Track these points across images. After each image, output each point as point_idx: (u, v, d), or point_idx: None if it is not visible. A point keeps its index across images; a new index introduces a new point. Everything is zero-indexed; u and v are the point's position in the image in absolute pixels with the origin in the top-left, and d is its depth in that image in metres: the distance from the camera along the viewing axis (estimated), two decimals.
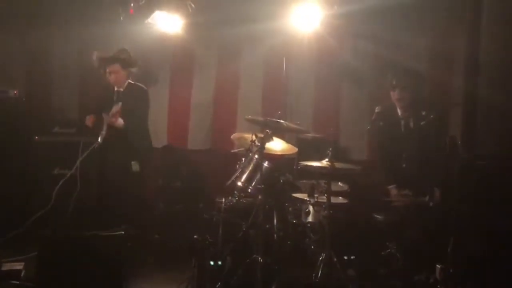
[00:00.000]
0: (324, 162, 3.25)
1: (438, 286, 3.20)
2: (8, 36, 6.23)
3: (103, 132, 4.89)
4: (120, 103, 4.94)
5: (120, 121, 4.92)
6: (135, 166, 4.88)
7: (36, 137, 6.06)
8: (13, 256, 4.29)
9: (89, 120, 5.19)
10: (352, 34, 5.91)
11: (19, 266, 3.93)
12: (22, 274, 3.78)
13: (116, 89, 5.20)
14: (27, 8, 5.63)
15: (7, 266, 3.83)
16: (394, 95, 4.15)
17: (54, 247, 3.10)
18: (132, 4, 5.71)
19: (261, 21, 5.71)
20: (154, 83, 7.11)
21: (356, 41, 5.97)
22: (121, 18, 5.95)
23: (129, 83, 5.16)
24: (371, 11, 5.19)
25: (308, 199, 3.52)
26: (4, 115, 5.84)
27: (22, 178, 5.91)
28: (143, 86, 5.28)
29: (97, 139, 4.82)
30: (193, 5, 5.71)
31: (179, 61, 6.99)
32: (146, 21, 5.92)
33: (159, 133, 7.10)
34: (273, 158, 4.16)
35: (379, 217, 3.64)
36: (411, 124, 4.13)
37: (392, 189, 4.03)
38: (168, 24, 5.84)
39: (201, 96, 6.86)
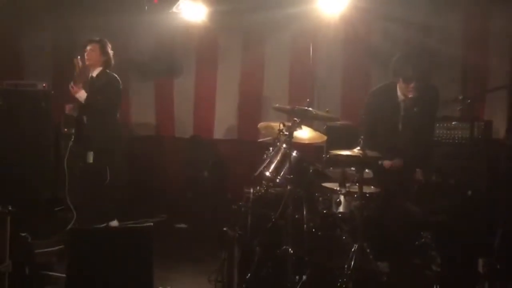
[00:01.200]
0: (356, 151, 3.14)
1: (482, 280, 3.04)
2: (36, 30, 6.27)
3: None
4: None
5: (82, 93, 4.84)
6: (89, 157, 4.79)
7: (66, 129, 6.15)
8: (45, 247, 4.36)
9: (67, 109, 5.14)
10: (381, 18, 5.71)
11: (52, 257, 4.00)
12: (55, 265, 3.84)
13: (90, 74, 5.12)
14: (54, 1, 5.66)
15: (40, 257, 3.88)
16: (408, 86, 3.88)
17: (84, 238, 3.10)
18: None
19: (286, 7, 5.59)
20: (179, 74, 7.12)
21: (386, 24, 5.76)
22: (146, 8, 5.95)
23: (102, 70, 5.07)
24: None
25: (338, 188, 3.41)
26: (33, 107, 5.91)
27: (50, 170, 5.99)
28: (116, 76, 5.12)
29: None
30: None
31: (204, 50, 6.95)
32: (170, 10, 5.91)
33: (185, 123, 7.13)
34: (301, 147, 4.07)
35: (412, 206, 3.53)
36: (411, 107, 3.92)
37: (386, 162, 3.88)
38: (192, 12, 5.81)
39: (227, 85, 6.82)
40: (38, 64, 6.58)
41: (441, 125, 4.81)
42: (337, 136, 5.10)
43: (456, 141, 4.76)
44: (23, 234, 4.35)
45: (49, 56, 6.67)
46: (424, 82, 3.88)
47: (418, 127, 3.89)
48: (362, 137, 3.18)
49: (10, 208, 2.92)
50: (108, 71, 5.05)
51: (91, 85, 4.96)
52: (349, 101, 6.05)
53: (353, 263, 3.23)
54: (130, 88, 7.07)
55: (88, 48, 5.00)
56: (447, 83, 5.33)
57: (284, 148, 3.46)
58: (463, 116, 4.66)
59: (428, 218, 3.58)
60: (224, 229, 2.44)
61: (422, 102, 3.89)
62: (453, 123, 4.83)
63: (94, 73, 5.01)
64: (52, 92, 6.14)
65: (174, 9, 5.84)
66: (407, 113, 4.00)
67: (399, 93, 4.00)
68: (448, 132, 4.85)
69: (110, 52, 5.07)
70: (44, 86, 6.08)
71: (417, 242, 3.53)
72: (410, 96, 3.66)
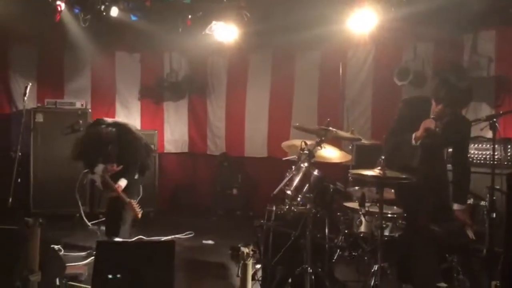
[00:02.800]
0: (376, 171, 3.12)
1: None
2: (76, 52, 6.61)
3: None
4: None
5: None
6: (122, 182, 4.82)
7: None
8: (77, 259, 4.52)
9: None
10: (412, 37, 5.67)
11: (81, 269, 4.14)
12: (83, 277, 3.98)
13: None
14: (94, 26, 5.97)
15: (70, 269, 4.03)
16: (435, 107, 3.69)
17: (109, 250, 3.21)
18: (189, 16, 5.92)
19: (315, 27, 5.65)
20: (212, 93, 7.30)
21: (416, 43, 5.73)
22: (180, 29, 6.17)
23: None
24: (431, 12, 4.95)
25: (359, 208, 3.40)
26: (71, 125, 6.18)
27: (82, 186, 6.19)
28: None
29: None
30: (248, 15, 5.79)
31: (235, 69, 7.11)
32: (203, 32, 6.10)
33: (217, 141, 7.27)
34: (328, 166, 4.08)
35: (436, 228, 3.44)
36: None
37: None
38: (224, 33, 5.97)
39: (257, 104, 6.93)
40: (77, 84, 6.89)
41: (472, 145, 4.71)
42: (365, 155, 5.10)
43: (488, 162, 4.64)
44: (56, 247, 4.58)
45: (88, 77, 6.97)
46: (455, 109, 3.71)
47: (438, 151, 3.75)
48: (382, 157, 3.16)
49: (40, 221, 3.05)
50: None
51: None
52: (379, 120, 5.99)
53: (373, 284, 3.19)
54: (165, 107, 7.30)
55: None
56: (480, 101, 5.23)
57: (305, 167, 3.48)
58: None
59: (454, 240, 3.49)
60: (239, 245, 2.48)
61: (449, 129, 3.69)
62: (484, 143, 4.72)
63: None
64: (90, 110, 6.42)
65: (207, 30, 6.03)
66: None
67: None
68: (479, 152, 4.75)
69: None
70: (82, 105, 6.38)
71: (442, 265, 3.45)
72: (432, 117, 3.54)
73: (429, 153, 3.53)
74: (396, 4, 5.07)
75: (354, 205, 3.57)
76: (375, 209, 3.25)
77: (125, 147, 4.84)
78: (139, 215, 4.73)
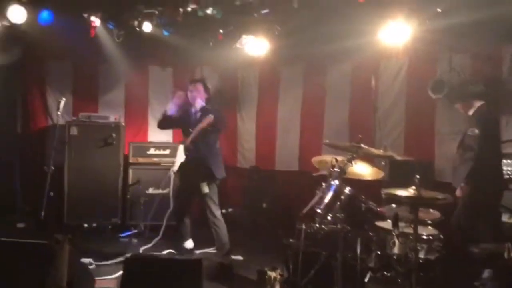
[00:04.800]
0: (410, 190, 3.00)
1: None
2: (110, 67, 6.75)
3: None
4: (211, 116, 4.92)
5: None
6: (204, 187, 4.93)
7: (137, 159, 6.47)
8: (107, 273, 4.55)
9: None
10: (447, 48, 5.49)
11: (111, 284, 4.16)
12: None
13: (193, 110, 5.25)
14: (127, 46, 6.10)
15: (100, 284, 4.05)
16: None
17: (137, 266, 3.20)
18: (221, 30, 5.95)
19: (347, 39, 5.56)
20: (242, 106, 7.29)
21: (452, 55, 5.54)
22: (211, 44, 6.20)
23: (203, 106, 5.20)
24: (468, 24, 4.78)
25: (392, 229, 3.27)
26: (105, 138, 6.28)
27: (115, 197, 6.30)
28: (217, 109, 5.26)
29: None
30: (279, 28, 5.77)
31: (266, 82, 7.09)
32: (234, 46, 6.12)
33: (246, 154, 7.24)
34: (360, 182, 3.97)
35: (475, 250, 3.28)
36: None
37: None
38: (255, 47, 5.97)
39: (288, 116, 6.87)
40: (111, 98, 7.02)
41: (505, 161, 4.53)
42: (399, 171, 4.93)
43: None
44: (87, 261, 4.62)
45: (122, 90, 7.09)
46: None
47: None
48: (417, 176, 3.03)
49: (70, 237, 3.09)
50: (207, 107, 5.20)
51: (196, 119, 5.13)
52: (413, 134, 5.82)
53: None
54: None
55: (191, 88, 5.19)
56: None
57: (336, 184, 3.39)
58: None
59: (489, 258, 3.32)
60: (266, 269, 2.40)
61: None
62: None
63: (198, 107, 5.16)
64: (123, 123, 6.52)
65: (238, 44, 6.05)
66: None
67: None
68: None
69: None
70: (115, 118, 6.48)
71: (476, 283, 3.27)
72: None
73: None
74: (432, 16, 4.94)
75: (387, 225, 3.44)
76: (409, 230, 3.12)
77: None
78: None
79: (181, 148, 5.22)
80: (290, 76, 6.86)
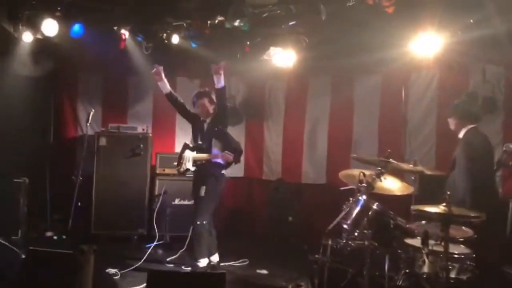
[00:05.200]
0: (441, 207, 2.89)
1: None
2: (139, 81, 6.85)
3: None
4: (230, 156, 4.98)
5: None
6: (201, 191, 4.93)
7: (164, 169, 6.51)
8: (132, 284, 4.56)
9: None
10: (480, 60, 5.34)
11: None
12: None
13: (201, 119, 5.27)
14: (155, 57, 6.17)
15: None
16: None
17: (159, 280, 3.18)
18: (248, 42, 5.96)
19: (376, 50, 5.47)
20: (269, 118, 7.25)
21: (485, 66, 5.38)
22: (238, 55, 6.21)
23: (212, 119, 5.21)
24: (502, 34, 4.64)
25: (422, 246, 3.14)
26: (133, 148, 6.34)
27: (141, 208, 6.34)
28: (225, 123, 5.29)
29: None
30: (306, 40, 5.73)
31: (293, 94, 7.04)
32: (261, 58, 6.11)
33: (273, 165, 7.18)
34: (385, 197, 3.86)
35: (511, 271, 3.12)
36: None
37: None
38: (282, 59, 5.95)
39: (315, 128, 6.79)
40: (140, 109, 7.10)
41: None
42: (429, 186, 4.77)
43: None
44: (112, 271, 4.64)
45: (150, 102, 7.16)
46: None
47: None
48: (448, 192, 2.92)
49: (95, 248, 3.10)
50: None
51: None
52: (444, 148, 5.62)
53: None
54: None
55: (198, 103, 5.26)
56: None
57: (364, 200, 3.30)
58: None
59: None
60: (290, 286, 2.34)
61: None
62: None
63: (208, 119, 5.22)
64: (150, 134, 6.58)
65: (265, 56, 6.04)
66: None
67: None
68: None
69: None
70: (143, 129, 6.55)
71: None
72: None
73: None
74: (464, 27, 4.81)
75: (417, 242, 3.32)
76: (440, 248, 3.00)
77: None
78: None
79: (187, 152, 5.12)
80: (318, 88, 6.80)
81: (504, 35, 4.60)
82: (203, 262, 4.79)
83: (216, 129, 5.10)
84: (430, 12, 4.86)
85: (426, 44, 4.98)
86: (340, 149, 6.45)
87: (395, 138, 5.86)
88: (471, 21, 4.71)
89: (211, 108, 5.20)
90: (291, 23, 5.35)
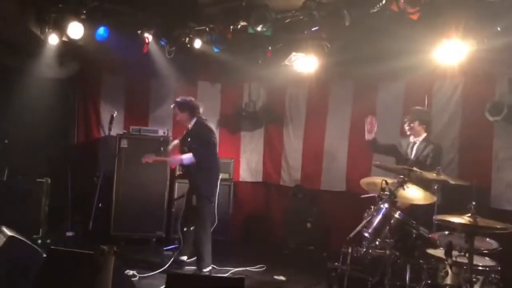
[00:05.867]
0: (466, 218, 2.82)
1: None
2: (161, 84, 6.92)
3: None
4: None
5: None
6: (193, 200, 5.09)
7: (180, 172, 6.53)
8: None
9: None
10: (506, 68, 5.21)
11: None
12: None
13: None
14: (178, 61, 6.22)
15: None
16: None
17: (177, 283, 3.18)
18: (269, 47, 5.95)
19: (399, 57, 5.39)
20: (289, 123, 7.22)
21: (511, 75, 5.26)
22: (259, 61, 6.21)
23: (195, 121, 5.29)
24: None
25: (445, 257, 3.07)
26: (154, 151, 6.33)
27: (160, 210, 6.38)
28: (206, 124, 5.34)
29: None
30: (328, 45, 5.70)
31: (314, 100, 6.99)
32: (283, 63, 6.10)
33: (292, 172, 7.14)
34: (407, 208, 3.80)
35: None
36: None
37: None
38: (304, 64, 5.92)
39: (336, 135, 6.72)
40: (161, 112, 7.15)
41: None
42: (452, 196, 4.67)
43: None
44: (130, 273, 4.66)
45: (170, 109, 7.20)
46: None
47: None
48: (473, 203, 2.85)
49: (115, 249, 3.11)
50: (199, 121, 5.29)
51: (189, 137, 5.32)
52: (467, 158, 5.53)
53: None
54: (242, 136, 7.35)
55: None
56: None
57: (386, 208, 3.25)
58: None
59: None
60: None
61: None
62: None
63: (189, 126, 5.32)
64: (171, 137, 6.62)
65: (287, 61, 6.02)
66: None
67: None
68: None
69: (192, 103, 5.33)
70: (164, 132, 6.59)
71: None
72: None
73: None
74: (490, 35, 4.71)
75: (439, 253, 3.25)
76: (463, 259, 2.92)
77: None
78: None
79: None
80: (339, 94, 6.74)
81: None
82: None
83: (189, 140, 5.24)
84: (455, 19, 4.78)
85: (451, 52, 4.88)
86: (360, 157, 6.36)
87: None
88: (499, 28, 4.61)
89: (187, 124, 5.32)
90: (313, 29, 5.31)
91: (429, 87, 5.89)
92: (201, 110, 5.34)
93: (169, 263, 5.22)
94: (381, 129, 6.28)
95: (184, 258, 5.38)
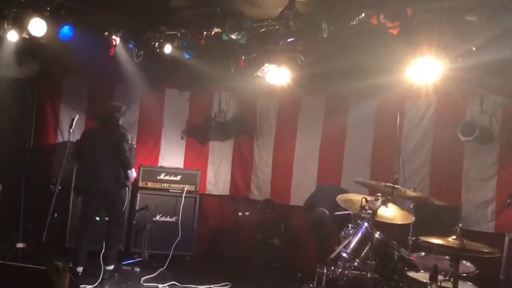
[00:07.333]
0: (451, 240, 2.70)
1: None
2: (126, 90, 6.65)
3: None
4: None
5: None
6: None
7: (147, 183, 6.24)
8: None
9: None
10: (478, 88, 5.25)
11: None
12: None
13: None
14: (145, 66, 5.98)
15: None
16: None
17: None
18: (243, 57, 5.78)
19: (373, 74, 5.32)
20: (259, 136, 7.05)
21: (483, 96, 5.30)
22: (232, 70, 6.02)
23: None
24: (503, 62, 4.55)
25: (428, 281, 2.93)
26: None
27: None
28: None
29: None
30: (302, 58, 5.59)
31: (285, 113, 6.86)
32: (255, 74, 5.94)
33: (262, 185, 6.95)
34: (382, 226, 3.66)
35: None
36: None
37: None
38: (276, 76, 5.79)
39: (306, 150, 6.60)
40: (125, 118, 6.71)
41: None
42: (425, 217, 4.57)
43: None
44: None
45: (136, 112, 6.95)
46: None
47: None
48: (460, 224, 2.74)
49: (71, 265, 2.81)
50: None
51: None
52: (439, 178, 5.52)
53: None
54: (210, 147, 7.12)
55: None
56: None
57: (366, 227, 3.10)
58: None
59: None
60: None
61: None
62: None
63: None
64: (135, 145, 6.43)
65: (259, 73, 5.88)
66: None
67: None
68: None
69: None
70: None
71: None
72: None
73: None
74: (465, 54, 4.71)
75: (420, 276, 3.12)
76: (448, 284, 2.79)
77: None
78: None
79: None
80: (311, 108, 6.64)
81: (503, 63, 4.51)
82: None
83: None
84: (429, 37, 4.76)
85: (424, 70, 4.85)
86: (330, 173, 6.27)
87: (389, 165, 5.68)
88: (473, 48, 4.61)
89: None
90: (289, 40, 5.19)
91: (402, 105, 5.87)
92: None
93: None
94: (352, 146, 6.24)
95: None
